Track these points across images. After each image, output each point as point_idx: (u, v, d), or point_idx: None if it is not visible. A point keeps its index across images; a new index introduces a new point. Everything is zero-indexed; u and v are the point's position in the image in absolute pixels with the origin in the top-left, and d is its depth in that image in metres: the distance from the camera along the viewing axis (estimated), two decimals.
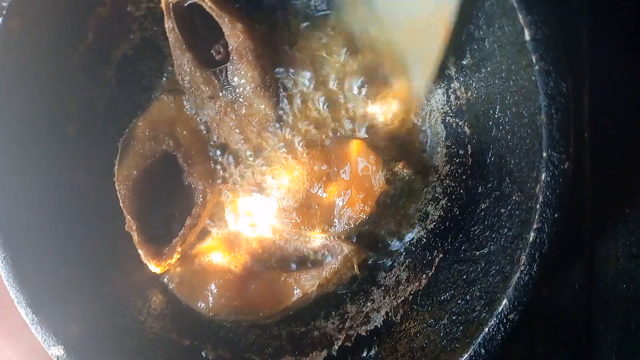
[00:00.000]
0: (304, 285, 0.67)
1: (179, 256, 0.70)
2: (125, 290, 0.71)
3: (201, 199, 0.70)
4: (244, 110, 0.69)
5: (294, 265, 0.71)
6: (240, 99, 0.69)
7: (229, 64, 0.67)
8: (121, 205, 0.69)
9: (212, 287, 0.69)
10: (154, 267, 0.68)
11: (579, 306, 0.69)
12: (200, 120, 0.72)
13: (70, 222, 0.68)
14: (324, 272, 0.66)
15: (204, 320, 0.72)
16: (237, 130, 0.70)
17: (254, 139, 0.71)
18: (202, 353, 0.69)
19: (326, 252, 0.69)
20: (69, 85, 0.70)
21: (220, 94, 0.69)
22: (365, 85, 0.67)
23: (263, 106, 0.69)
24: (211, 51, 0.69)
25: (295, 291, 0.67)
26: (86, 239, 0.69)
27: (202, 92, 0.69)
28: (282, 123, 0.69)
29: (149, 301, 0.71)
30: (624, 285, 0.68)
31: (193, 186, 0.71)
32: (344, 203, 0.65)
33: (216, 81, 0.68)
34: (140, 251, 0.68)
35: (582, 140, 0.64)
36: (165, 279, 0.72)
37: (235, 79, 0.67)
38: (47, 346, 0.61)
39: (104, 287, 0.69)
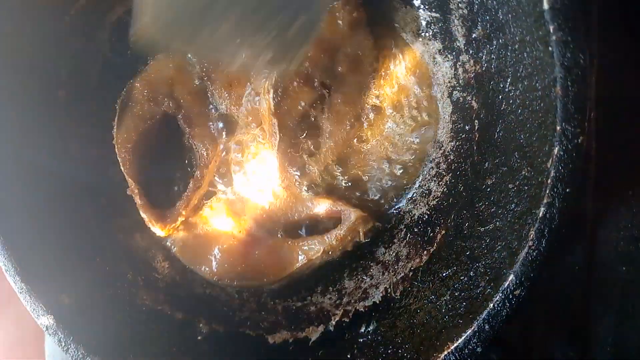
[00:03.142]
0: (308, 252, 0.66)
1: (183, 219, 0.69)
2: (117, 262, 0.69)
3: (203, 161, 0.69)
4: None
5: (298, 232, 0.70)
6: None
7: None
8: (122, 169, 0.67)
9: (216, 252, 0.69)
10: (159, 231, 0.68)
11: (577, 288, 0.68)
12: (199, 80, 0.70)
13: (62, 190, 0.66)
14: (328, 239, 0.65)
15: (198, 293, 0.70)
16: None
17: None
18: (196, 327, 0.68)
19: (331, 218, 0.68)
20: (60, 49, 0.67)
21: None
22: None
23: None
24: None
25: (299, 257, 0.67)
26: (78, 208, 0.68)
27: None
28: None
29: (142, 273, 0.70)
30: (624, 268, 0.68)
31: (195, 148, 0.70)
32: None
33: None
34: (144, 215, 0.67)
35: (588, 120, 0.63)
36: (168, 243, 0.71)
37: None
38: (36, 316, 0.59)
39: (96, 257, 0.67)
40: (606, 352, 0.69)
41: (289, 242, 0.68)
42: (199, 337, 0.67)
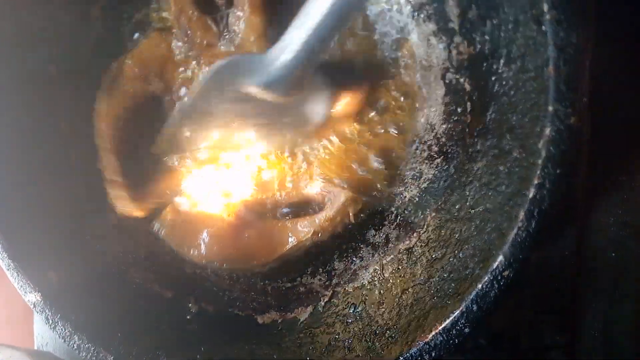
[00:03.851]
0: (298, 233, 0.66)
1: (157, 201, 0.68)
2: (106, 240, 0.68)
3: None
4: None
5: (288, 214, 0.69)
6: (239, 49, 0.66)
7: (232, 8, 0.64)
8: (97, 140, 0.66)
9: (205, 235, 0.68)
10: (130, 211, 0.67)
11: (566, 273, 0.69)
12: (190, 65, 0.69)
13: (50, 166, 0.66)
14: (318, 220, 0.65)
15: (188, 273, 0.70)
16: None
17: None
18: (185, 306, 0.68)
19: (322, 200, 0.67)
20: (51, 24, 0.66)
21: (219, 42, 0.66)
22: None
23: None
24: None
25: (289, 239, 0.66)
26: (67, 184, 0.67)
27: (199, 38, 0.66)
28: None
29: (131, 252, 0.69)
30: (614, 254, 0.68)
31: None
32: None
33: (215, 28, 0.65)
34: (110, 191, 0.66)
35: (581, 102, 0.63)
36: (155, 227, 0.70)
37: (236, 26, 0.64)
38: (23, 293, 0.59)
39: (85, 235, 0.67)
40: (595, 338, 0.69)
41: (279, 224, 0.67)
42: (188, 316, 0.67)
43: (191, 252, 0.68)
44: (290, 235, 0.67)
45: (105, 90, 0.67)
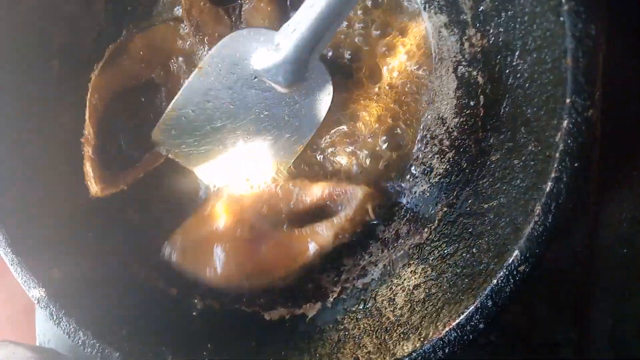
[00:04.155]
0: (318, 239, 0.63)
1: (124, 187, 0.66)
2: (110, 236, 0.68)
3: None
4: None
5: (304, 221, 0.66)
6: None
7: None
8: (86, 114, 0.65)
9: (219, 253, 0.65)
10: (94, 189, 0.64)
11: (578, 269, 0.68)
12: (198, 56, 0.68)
13: (55, 161, 0.65)
14: (337, 221, 0.63)
15: None
16: None
17: None
18: (191, 303, 0.67)
19: (336, 200, 0.65)
20: (54, 18, 0.65)
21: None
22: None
23: None
24: None
25: (310, 245, 0.63)
26: (71, 181, 0.66)
27: (210, 30, 0.65)
28: None
29: (136, 248, 0.69)
30: (625, 250, 0.67)
31: None
32: None
33: (227, 19, 0.65)
34: (86, 168, 0.64)
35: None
36: (166, 251, 0.67)
37: (248, 16, 0.63)
38: (27, 288, 0.58)
39: (88, 232, 0.66)
40: (605, 334, 0.68)
41: (296, 232, 0.64)
42: (194, 313, 0.67)
43: (207, 273, 0.65)
44: (309, 241, 0.64)
45: (107, 59, 0.66)
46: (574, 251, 0.67)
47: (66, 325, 0.57)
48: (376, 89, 0.66)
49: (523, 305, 0.67)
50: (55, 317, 0.57)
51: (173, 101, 0.64)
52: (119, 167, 0.67)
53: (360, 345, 0.58)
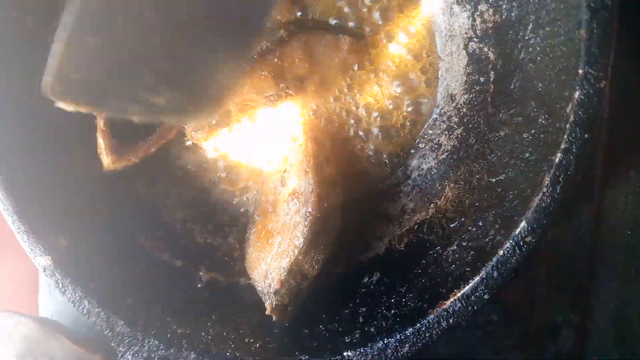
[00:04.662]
0: None
1: (135, 160, 0.66)
2: (118, 207, 0.68)
3: None
4: None
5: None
6: None
7: None
8: None
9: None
10: (106, 161, 0.64)
11: (582, 251, 0.68)
12: None
13: (61, 131, 0.64)
14: None
15: (199, 242, 0.70)
16: None
17: None
18: (196, 275, 0.67)
19: None
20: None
21: None
22: None
23: None
24: None
25: None
26: (81, 151, 0.65)
27: None
28: None
29: (142, 220, 0.69)
30: (629, 232, 0.67)
31: None
32: None
33: None
34: (99, 140, 0.64)
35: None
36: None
37: None
38: (33, 256, 0.58)
39: (97, 203, 0.66)
40: (607, 316, 0.68)
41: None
42: (199, 285, 0.67)
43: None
44: None
45: None
46: (579, 234, 0.67)
47: (72, 293, 0.57)
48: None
49: (525, 286, 0.68)
50: (60, 285, 0.57)
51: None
52: (131, 141, 0.66)
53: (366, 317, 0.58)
